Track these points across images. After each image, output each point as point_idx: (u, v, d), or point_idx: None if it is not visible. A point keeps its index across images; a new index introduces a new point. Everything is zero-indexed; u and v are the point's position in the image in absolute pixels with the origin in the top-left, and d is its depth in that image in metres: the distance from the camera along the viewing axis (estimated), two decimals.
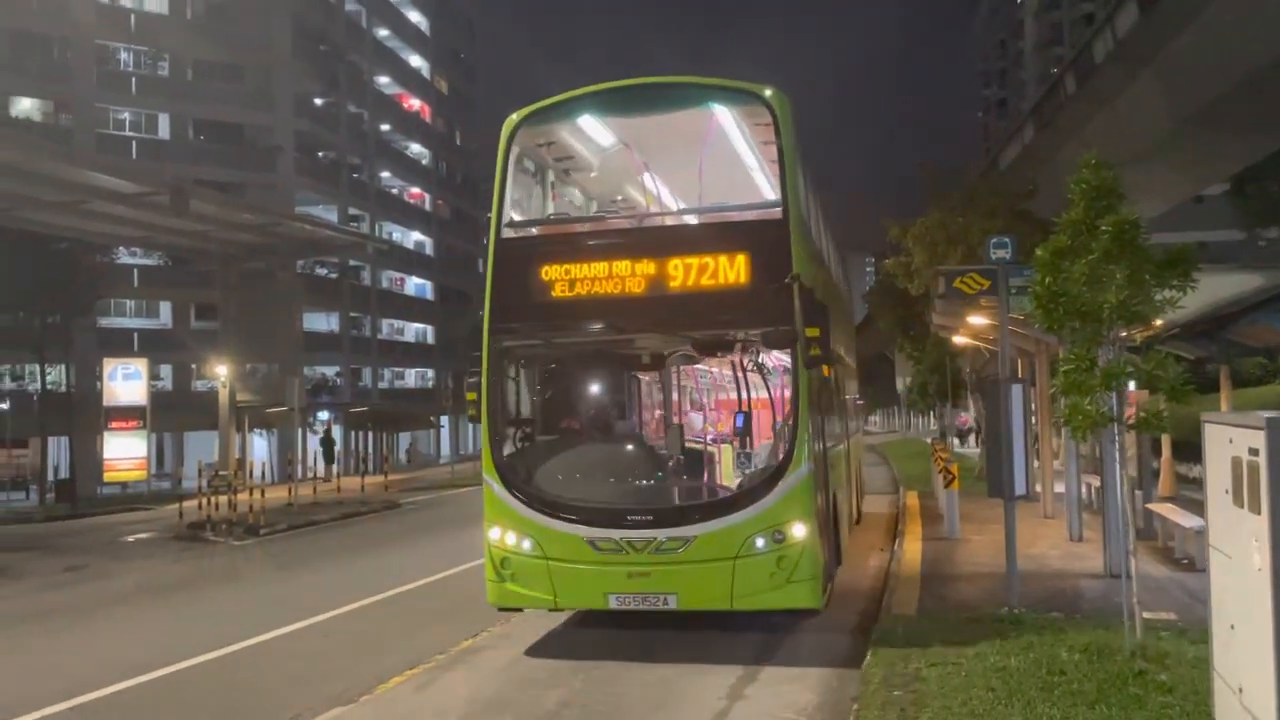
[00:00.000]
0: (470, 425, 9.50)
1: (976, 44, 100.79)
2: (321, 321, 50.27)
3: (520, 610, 9.35)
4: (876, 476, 27.36)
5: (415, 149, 62.37)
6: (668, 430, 10.39)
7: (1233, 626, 4.95)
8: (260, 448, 42.49)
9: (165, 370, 43.51)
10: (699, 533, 8.32)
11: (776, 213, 8.86)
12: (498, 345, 9.12)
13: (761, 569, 8.25)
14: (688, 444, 10.27)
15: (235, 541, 18.84)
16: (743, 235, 9.05)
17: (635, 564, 8.38)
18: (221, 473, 23.04)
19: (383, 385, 57.14)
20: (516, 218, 9.62)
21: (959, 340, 22.40)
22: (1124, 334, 7.45)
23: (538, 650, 9.25)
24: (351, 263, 51.23)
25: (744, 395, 10.08)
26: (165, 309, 45.86)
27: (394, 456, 49.07)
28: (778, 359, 9.79)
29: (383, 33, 58.78)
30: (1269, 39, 19.15)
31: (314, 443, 40.86)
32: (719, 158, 10.05)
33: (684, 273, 8.62)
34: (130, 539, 20.31)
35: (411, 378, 62.69)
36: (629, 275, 8.68)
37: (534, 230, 9.86)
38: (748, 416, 9.85)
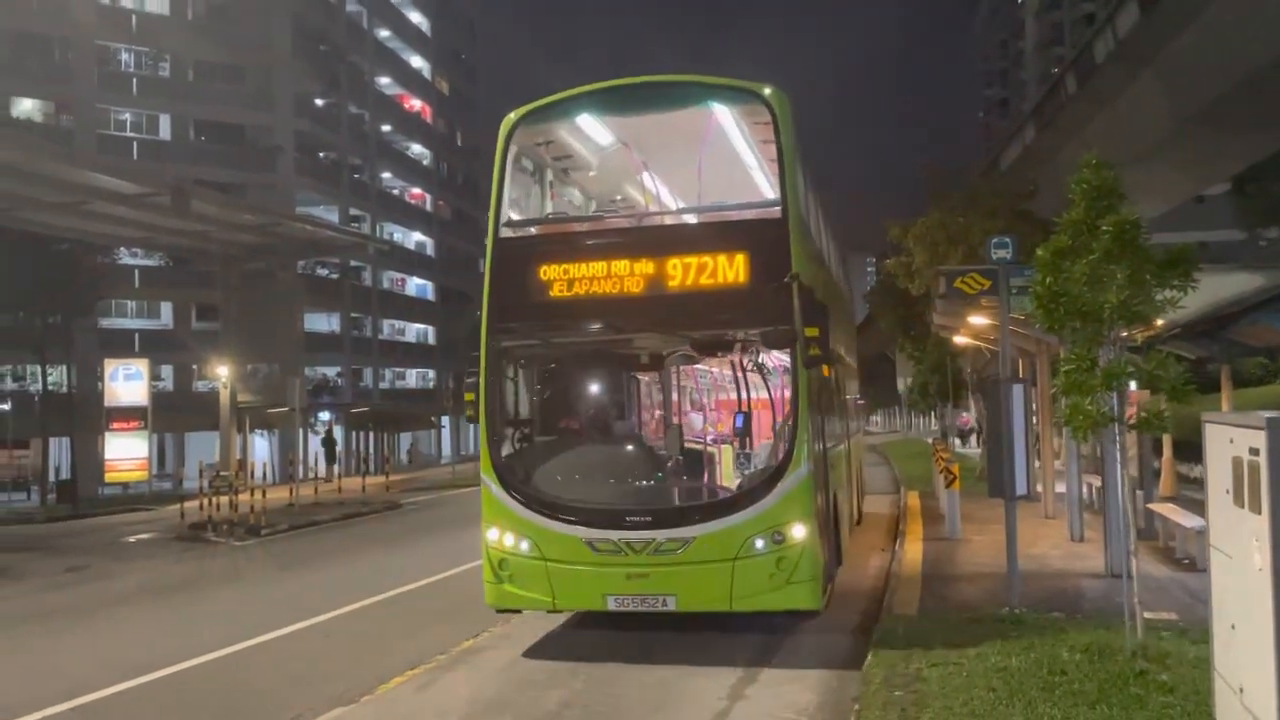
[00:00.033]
0: (471, 426, 9.43)
1: (977, 44, 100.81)
2: (323, 322, 50.29)
3: (519, 611, 9.34)
4: (878, 477, 27.35)
5: (416, 149, 62.40)
6: (666, 431, 10.36)
7: (1233, 626, 4.94)
8: (261, 448, 42.50)
9: (166, 371, 43.53)
10: (698, 534, 8.28)
11: (776, 212, 8.83)
12: (496, 345, 9.08)
13: (761, 570, 8.21)
14: (687, 444, 10.24)
15: (236, 542, 18.84)
16: (742, 234, 9.02)
17: (634, 565, 8.34)
18: (223, 473, 23.06)
19: (384, 386, 57.15)
20: (515, 217, 9.60)
21: (960, 340, 22.40)
22: (1125, 334, 7.45)
23: (538, 651, 9.25)
24: (353, 263, 51.23)
25: (743, 395, 10.05)
26: (166, 309, 45.88)
27: (395, 457, 49.09)
28: (777, 359, 9.75)
29: (384, 33, 58.80)
30: (1269, 38, 19.15)
31: (316, 443, 40.88)
32: (718, 157, 10.01)
33: (683, 272, 8.59)
34: (131, 539, 20.32)
35: (413, 378, 62.72)
36: (628, 275, 8.65)
37: (532, 230, 9.82)
38: (747, 417, 9.80)
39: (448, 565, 13.91)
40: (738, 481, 9.36)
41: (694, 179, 9.95)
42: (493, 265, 9.15)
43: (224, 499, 20.62)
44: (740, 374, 9.99)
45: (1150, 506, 13.31)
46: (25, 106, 43.02)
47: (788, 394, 8.76)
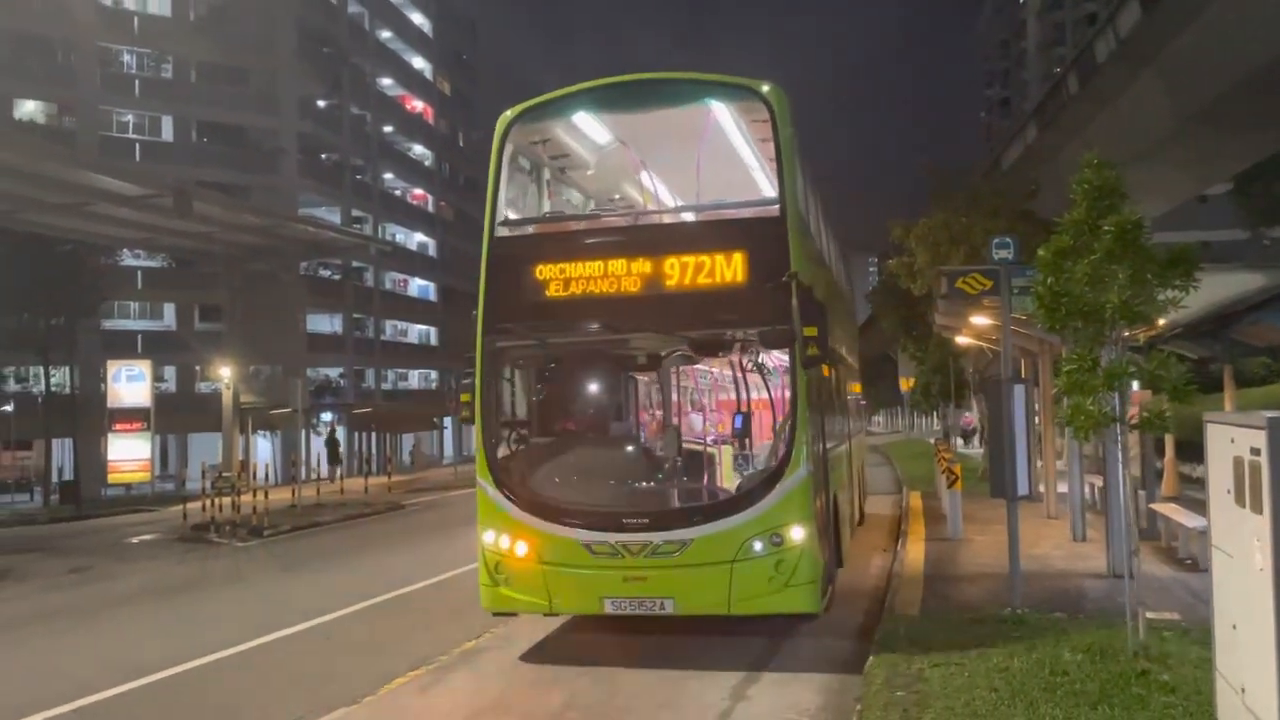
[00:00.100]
0: (472, 427, 9.36)
1: (979, 44, 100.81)
2: (325, 323, 50.33)
3: (515, 615, 9.31)
4: (880, 477, 27.33)
5: (418, 150, 62.41)
6: (664, 432, 10.30)
7: (1235, 626, 4.93)
8: (264, 449, 42.52)
9: (169, 372, 43.55)
10: (696, 536, 8.20)
11: (774, 210, 8.73)
12: (491, 346, 8.99)
13: (760, 572, 8.13)
14: (685, 446, 10.18)
15: (239, 543, 18.86)
16: (740, 233, 8.92)
17: (631, 568, 8.25)
18: (225, 474, 23.12)
19: (386, 386, 57.15)
20: (512, 216, 9.55)
21: (962, 340, 22.39)
22: (1127, 334, 7.44)
23: (540, 651, 9.25)
24: (355, 264, 51.24)
25: (742, 396, 9.99)
26: (169, 311, 45.90)
27: (397, 458, 49.13)
28: (777, 359, 9.68)
29: (385, 34, 58.82)
30: (1270, 38, 19.12)
31: (318, 444, 40.90)
32: (716, 154, 9.91)
33: (680, 271, 8.51)
34: (134, 541, 20.34)
35: (415, 379, 62.73)
36: (624, 274, 8.57)
37: (528, 229, 9.75)
38: (746, 417, 9.72)
39: (450, 566, 13.91)
40: (736, 483, 9.30)
41: (692, 177, 9.83)
42: (488, 265, 9.07)
43: (226, 500, 20.64)
44: (739, 374, 9.92)
45: (1152, 506, 13.29)
46: (28, 108, 43.06)
47: (787, 394, 8.68)
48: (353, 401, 49.81)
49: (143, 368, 31.85)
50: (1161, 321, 8.58)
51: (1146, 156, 25.16)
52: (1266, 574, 4.35)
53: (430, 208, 62.92)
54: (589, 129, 10.12)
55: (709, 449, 10.89)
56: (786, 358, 8.75)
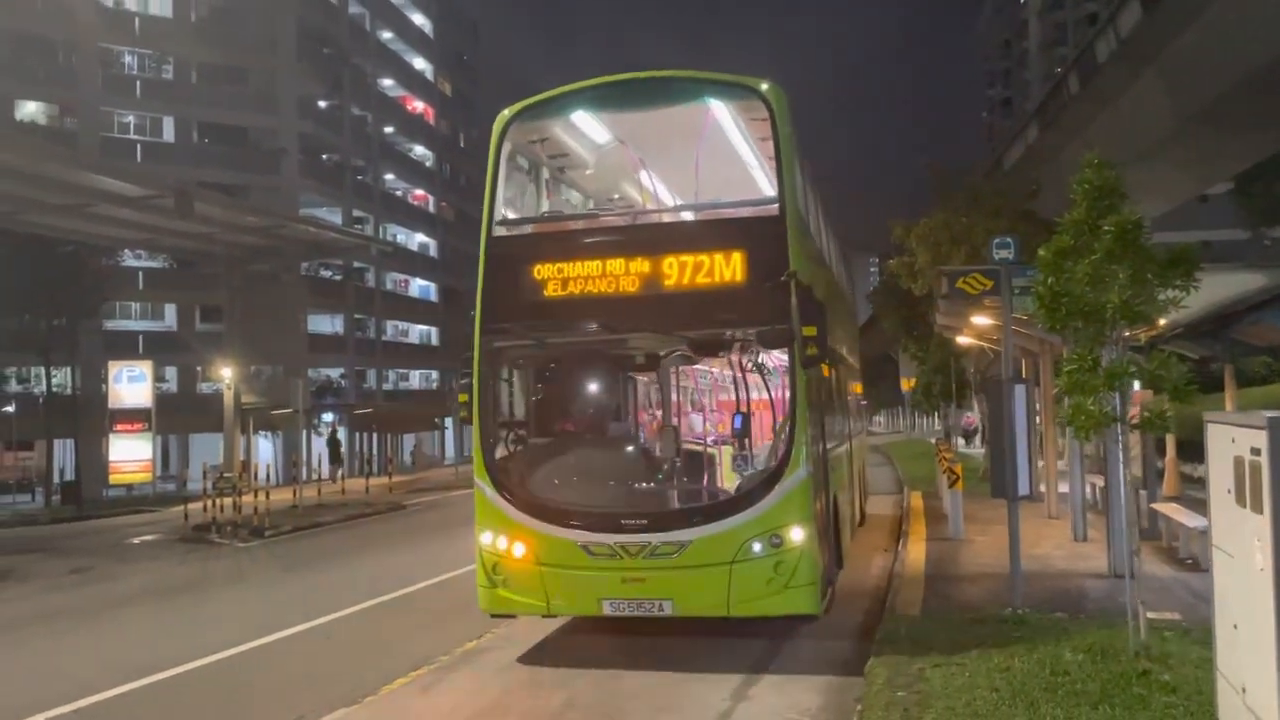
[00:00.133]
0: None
1: (980, 44, 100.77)
2: (326, 323, 50.36)
3: (513, 616, 9.29)
4: (881, 477, 27.33)
5: (419, 151, 62.44)
6: (662, 432, 10.27)
7: (1236, 626, 4.93)
8: (265, 450, 42.56)
9: (170, 372, 43.60)
10: (694, 537, 8.15)
11: (773, 209, 8.68)
12: (489, 346, 8.95)
13: (759, 574, 8.09)
14: (684, 446, 10.15)
15: (240, 543, 18.86)
16: (739, 232, 8.87)
17: (629, 569, 8.21)
18: (226, 475, 23.11)
19: (387, 387, 57.20)
20: (509, 215, 9.52)
21: (963, 340, 22.38)
22: (1127, 334, 7.44)
23: (541, 652, 9.24)
24: (356, 265, 51.28)
25: (742, 396, 9.94)
26: (170, 311, 45.95)
27: (398, 458, 49.16)
28: (776, 359, 9.63)
29: (386, 35, 58.86)
30: (1271, 38, 19.11)
31: (320, 444, 40.93)
32: (715, 153, 9.87)
33: (679, 271, 8.46)
34: (135, 541, 20.35)
35: (416, 379, 62.76)
36: (623, 274, 8.52)
37: (526, 228, 9.72)
38: (745, 417, 9.63)
39: (451, 567, 13.89)
40: (735, 484, 9.25)
41: (691, 176, 9.80)
42: (486, 264, 9.03)
43: (228, 500, 20.64)
44: (738, 374, 9.88)
45: (1153, 506, 13.28)
46: (29, 109, 43.12)
47: (786, 394, 8.64)
48: (354, 402, 49.85)
49: (144, 368, 31.86)
50: (1162, 321, 8.57)
51: (1147, 156, 25.15)
52: (1267, 574, 4.35)
53: (431, 208, 62.96)
54: (588, 128, 10.07)
55: (708, 449, 10.87)
56: (786, 357, 8.69)
